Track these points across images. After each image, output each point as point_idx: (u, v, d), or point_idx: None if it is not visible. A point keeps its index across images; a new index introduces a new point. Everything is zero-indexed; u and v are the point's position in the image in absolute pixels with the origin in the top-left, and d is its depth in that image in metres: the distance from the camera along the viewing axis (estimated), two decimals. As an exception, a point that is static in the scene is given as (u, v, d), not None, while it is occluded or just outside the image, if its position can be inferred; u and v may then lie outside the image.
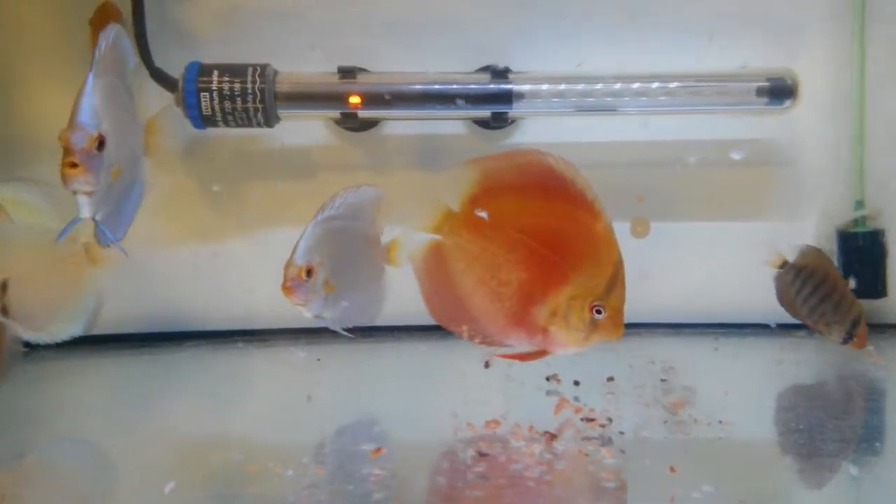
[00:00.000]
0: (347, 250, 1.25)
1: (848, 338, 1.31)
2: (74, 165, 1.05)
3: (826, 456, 1.05)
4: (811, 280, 1.31)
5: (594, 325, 1.07)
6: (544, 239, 1.10)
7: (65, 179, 1.06)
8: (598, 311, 1.06)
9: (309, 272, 1.17)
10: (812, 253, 1.34)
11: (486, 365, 1.21)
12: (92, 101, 1.09)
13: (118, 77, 1.17)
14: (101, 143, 1.08)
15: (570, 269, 1.08)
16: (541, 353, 1.13)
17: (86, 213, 1.11)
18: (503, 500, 0.95)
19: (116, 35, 1.16)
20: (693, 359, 1.42)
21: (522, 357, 1.14)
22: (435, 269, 1.16)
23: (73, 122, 1.07)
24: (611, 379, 1.27)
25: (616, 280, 1.07)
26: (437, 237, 1.15)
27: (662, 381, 1.28)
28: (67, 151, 1.06)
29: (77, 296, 1.30)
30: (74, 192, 1.08)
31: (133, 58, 1.22)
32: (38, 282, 1.26)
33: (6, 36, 1.44)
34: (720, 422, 1.13)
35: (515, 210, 1.12)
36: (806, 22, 1.43)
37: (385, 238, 1.31)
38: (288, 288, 1.16)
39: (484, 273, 1.13)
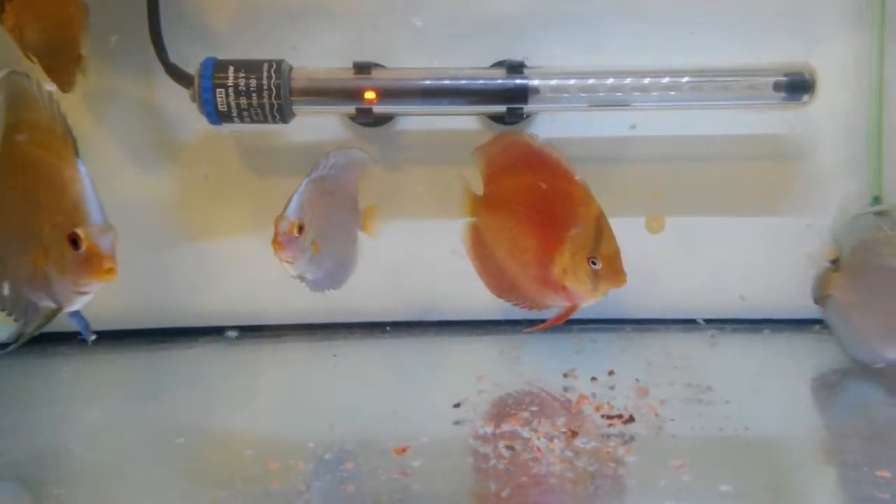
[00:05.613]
0: (333, 212, 1.25)
1: None
2: None
3: (849, 453, 1.05)
4: None
5: (597, 276, 1.19)
6: (538, 207, 1.23)
7: None
8: (594, 262, 1.18)
9: (300, 229, 1.16)
10: None
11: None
12: None
13: None
14: None
15: (563, 230, 1.20)
16: (570, 311, 1.26)
17: None
18: (527, 499, 0.95)
19: None
20: (710, 355, 1.41)
21: (557, 321, 1.27)
22: (479, 249, 1.31)
23: None
24: (611, 373, 1.28)
25: (601, 231, 1.19)
26: (472, 220, 1.31)
27: (680, 377, 1.27)
28: None
29: None
30: None
31: None
32: None
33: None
34: (741, 419, 1.13)
35: (512, 185, 1.26)
36: (825, 14, 1.41)
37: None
38: (279, 243, 1.15)
39: (509, 245, 1.27)
